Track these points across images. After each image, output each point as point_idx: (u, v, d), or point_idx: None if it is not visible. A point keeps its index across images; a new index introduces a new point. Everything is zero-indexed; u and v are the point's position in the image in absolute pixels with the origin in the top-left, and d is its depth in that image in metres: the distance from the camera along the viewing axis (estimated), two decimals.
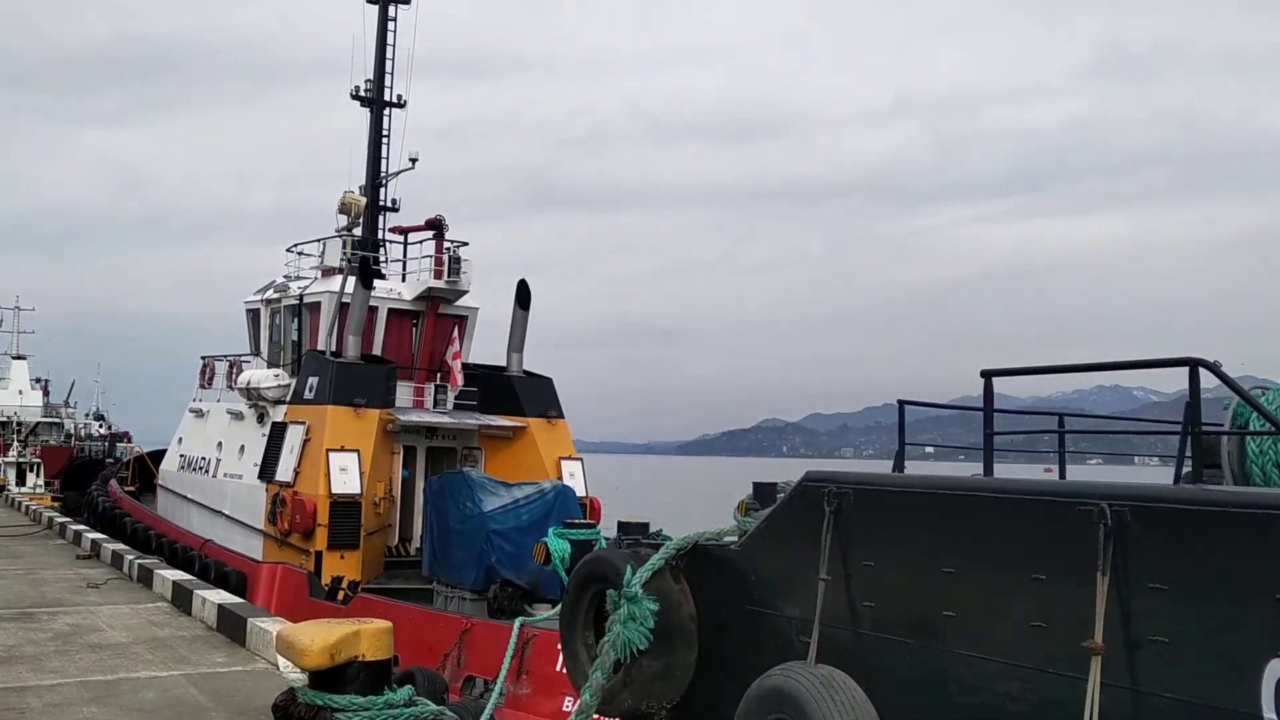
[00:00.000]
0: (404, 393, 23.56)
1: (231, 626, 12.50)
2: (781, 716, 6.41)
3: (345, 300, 22.63)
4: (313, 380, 22.25)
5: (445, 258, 24.14)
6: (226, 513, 24.05)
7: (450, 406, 24.02)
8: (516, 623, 14.22)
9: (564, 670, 13.10)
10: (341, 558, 20.56)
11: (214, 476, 25.34)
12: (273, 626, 11.01)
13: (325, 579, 19.59)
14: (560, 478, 22.48)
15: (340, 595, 18.73)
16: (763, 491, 8.32)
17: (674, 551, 7.86)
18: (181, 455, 27.75)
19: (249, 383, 23.72)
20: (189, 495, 26.44)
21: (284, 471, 21.76)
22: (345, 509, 20.63)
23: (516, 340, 24.63)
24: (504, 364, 24.74)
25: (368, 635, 7.15)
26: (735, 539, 8.05)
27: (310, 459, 21.30)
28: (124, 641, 12.02)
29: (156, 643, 12.01)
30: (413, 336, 24.61)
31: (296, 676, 9.34)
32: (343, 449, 21.03)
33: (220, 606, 13.15)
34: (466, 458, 23.80)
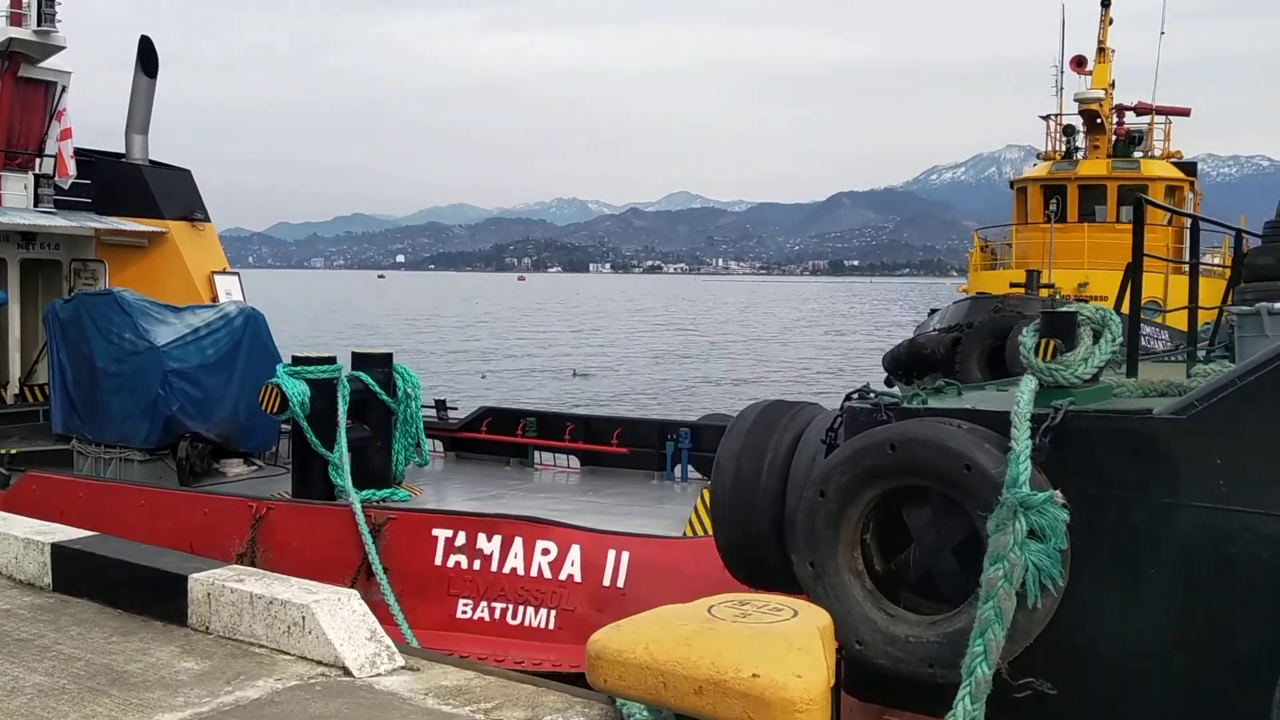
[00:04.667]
0: None
1: (104, 587, 5.91)
2: None
3: None
4: None
5: None
6: None
7: (51, 205, 17.89)
8: (356, 502, 10.39)
9: (511, 570, 9.47)
10: None
11: None
12: (303, 596, 5.21)
13: None
14: (216, 298, 17.77)
15: None
16: (1062, 324, 5.68)
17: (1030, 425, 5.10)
18: None
19: None
20: None
21: None
22: None
23: (139, 119, 18.72)
24: (120, 151, 18.87)
25: (814, 648, 3.53)
26: (1070, 401, 5.35)
27: None
28: None
29: None
30: None
31: (388, 682, 5.07)
32: None
33: (55, 547, 6.17)
34: (79, 273, 17.98)
